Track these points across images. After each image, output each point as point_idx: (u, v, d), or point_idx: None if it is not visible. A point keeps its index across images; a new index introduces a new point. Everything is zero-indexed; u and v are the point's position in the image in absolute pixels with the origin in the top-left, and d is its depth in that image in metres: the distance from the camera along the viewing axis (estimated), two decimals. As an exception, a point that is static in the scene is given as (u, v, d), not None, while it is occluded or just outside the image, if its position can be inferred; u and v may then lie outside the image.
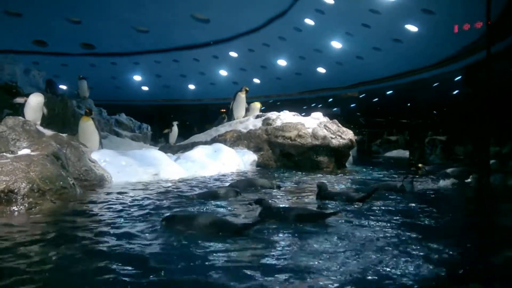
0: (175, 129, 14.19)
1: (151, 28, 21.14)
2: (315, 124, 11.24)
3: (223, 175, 8.74)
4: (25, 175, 4.45)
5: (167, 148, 12.45)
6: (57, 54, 23.05)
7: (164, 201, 5.03)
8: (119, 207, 4.56)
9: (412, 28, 16.64)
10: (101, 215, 4.18)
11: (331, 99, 28.36)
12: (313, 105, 26.73)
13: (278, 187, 6.34)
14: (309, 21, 18.33)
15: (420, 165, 10.12)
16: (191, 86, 28.38)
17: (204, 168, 9.00)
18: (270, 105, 23.28)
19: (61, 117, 13.16)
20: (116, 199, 5.04)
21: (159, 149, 12.70)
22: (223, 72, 26.16)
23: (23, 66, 13.48)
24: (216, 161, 9.60)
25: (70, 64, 23.36)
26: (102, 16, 19.26)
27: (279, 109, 12.64)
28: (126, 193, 5.56)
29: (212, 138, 12.03)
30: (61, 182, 4.81)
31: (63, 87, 22.21)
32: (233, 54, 23.62)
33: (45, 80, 13.98)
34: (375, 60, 19.52)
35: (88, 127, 8.62)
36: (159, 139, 19.15)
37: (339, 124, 11.48)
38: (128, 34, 21.38)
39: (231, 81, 24.95)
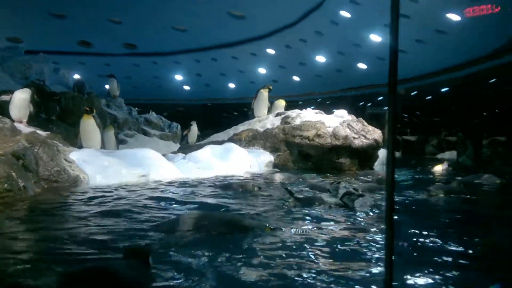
0: (193, 128, 13.92)
1: (189, 26, 21.02)
2: (337, 123, 10.40)
3: (230, 177, 8.16)
4: (-38, 177, 4.17)
5: (186, 148, 12.13)
6: (102, 54, 23.66)
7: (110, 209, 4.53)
8: (46, 219, 3.97)
9: (454, 17, 15.07)
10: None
11: (380, 98, 26.78)
12: (361, 103, 25.41)
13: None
14: (345, 14, 17.22)
15: None
16: (231, 85, 28.07)
17: (208, 169, 8.44)
18: (318, 104, 22.20)
19: (87, 116, 13.31)
20: (63, 206, 4.55)
21: (179, 149, 12.52)
22: (262, 70, 25.55)
23: (52, 65, 13.77)
24: (224, 161, 9.04)
25: (114, 64, 23.83)
26: (141, 16, 19.40)
27: (330, 108, 11.85)
28: (88, 197, 5.08)
29: (229, 137, 11.48)
30: (5, 185, 4.48)
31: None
32: (271, 51, 22.98)
33: (74, 80, 14.21)
34: (420, 54, 17.93)
35: (88, 126, 8.44)
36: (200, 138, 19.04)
37: (365, 123, 10.62)
38: (166, 33, 21.41)
39: (270, 79, 24.20)
